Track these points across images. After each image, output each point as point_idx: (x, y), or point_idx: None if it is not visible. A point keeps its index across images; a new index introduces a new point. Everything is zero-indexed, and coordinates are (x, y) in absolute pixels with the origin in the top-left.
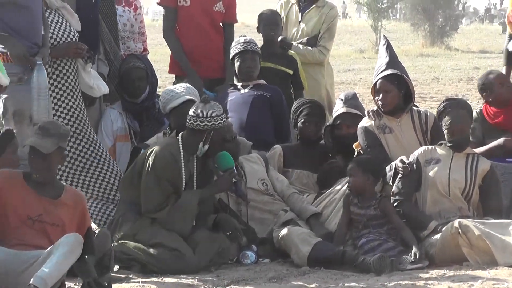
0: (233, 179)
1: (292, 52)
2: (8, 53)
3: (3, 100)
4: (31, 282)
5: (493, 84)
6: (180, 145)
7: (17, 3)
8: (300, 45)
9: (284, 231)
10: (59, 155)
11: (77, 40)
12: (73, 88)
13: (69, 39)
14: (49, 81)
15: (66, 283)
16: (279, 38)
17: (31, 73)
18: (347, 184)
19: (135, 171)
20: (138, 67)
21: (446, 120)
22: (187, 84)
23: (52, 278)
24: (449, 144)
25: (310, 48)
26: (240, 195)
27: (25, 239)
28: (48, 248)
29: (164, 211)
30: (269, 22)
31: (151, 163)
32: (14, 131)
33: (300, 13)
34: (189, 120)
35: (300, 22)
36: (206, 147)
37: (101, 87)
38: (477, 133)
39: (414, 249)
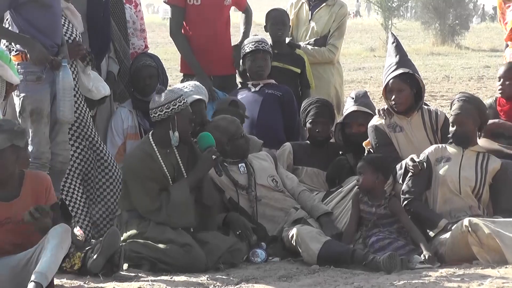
0: (213, 156)
1: (300, 51)
2: (28, 56)
3: (21, 99)
4: (32, 279)
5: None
6: (152, 142)
7: (39, 2)
8: (309, 46)
9: (294, 230)
10: (14, 153)
11: (80, 41)
12: (76, 90)
13: (70, 41)
14: None
15: (75, 281)
16: (287, 40)
17: (52, 73)
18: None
19: (123, 179)
20: (149, 65)
21: (451, 110)
22: (195, 82)
23: (50, 271)
24: (449, 135)
25: (318, 47)
26: (217, 172)
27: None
28: (38, 244)
29: (162, 214)
30: (276, 21)
31: (128, 167)
32: (31, 130)
33: (310, 12)
34: (151, 115)
35: (310, 20)
36: (177, 134)
37: (101, 90)
38: (490, 119)
39: (424, 252)
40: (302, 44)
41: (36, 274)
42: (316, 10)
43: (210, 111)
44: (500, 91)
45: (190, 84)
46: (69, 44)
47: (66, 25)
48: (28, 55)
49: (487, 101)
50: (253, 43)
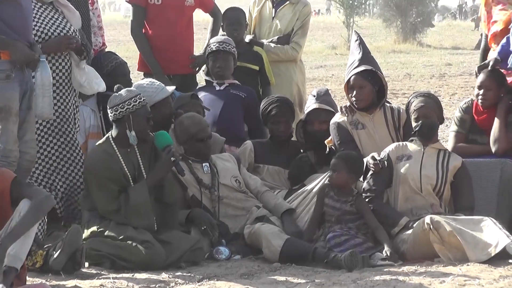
0: (172, 158)
1: (258, 48)
2: (12, 58)
3: None
4: (5, 263)
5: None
6: (111, 141)
7: (12, 1)
8: (272, 44)
9: (255, 227)
10: None
11: (79, 37)
12: (65, 85)
13: (62, 35)
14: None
15: (37, 279)
16: (249, 38)
17: (21, 71)
18: (327, 177)
19: (84, 178)
20: (125, 63)
21: (412, 106)
22: (152, 81)
23: (24, 252)
24: (415, 130)
25: (281, 45)
26: (179, 172)
27: None
28: (7, 223)
29: (121, 215)
30: (231, 22)
31: (88, 167)
32: None
33: (273, 10)
34: (109, 114)
35: (273, 18)
36: (134, 133)
37: (94, 86)
38: (467, 125)
39: (386, 248)
40: (265, 41)
41: (9, 258)
42: (280, 8)
43: None
44: (481, 101)
45: (154, 80)
46: (60, 37)
47: (59, 20)
48: (12, 58)
49: (462, 104)
50: (215, 44)
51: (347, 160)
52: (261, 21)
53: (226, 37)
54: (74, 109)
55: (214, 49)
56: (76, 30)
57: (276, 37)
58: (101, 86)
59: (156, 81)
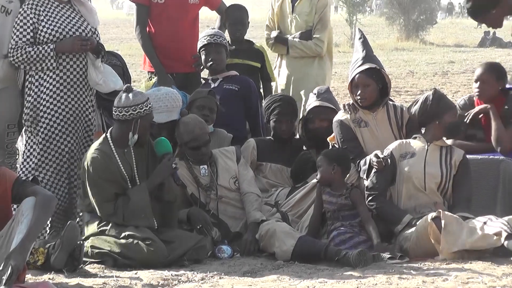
0: (173, 164)
1: (259, 45)
2: None
3: None
4: (13, 264)
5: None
6: (110, 141)
7: None
8: (296, 39)
9: (269, 225)
10: None
11: (96, 36)
12: (79, 84)
13: (77, 34)
14: (51, 76)
15: (39, 277)
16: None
17: None
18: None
19: (82, 180)
20: (115, 65)
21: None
22: (169, 92)
23: (26, 250)
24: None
25: (305, 41)
26: (176, 181)
27: None
28: (9, 222)
29: (119, 217)
30: (235, 21)
31: (85, 169)
32: None
33: (291, 4)
34: (115, 112)
35: (292, 13)
36: (136, 136)
37: (110, 84)
38: (463, 120)
39: (375, 241)
40: (289, 37)
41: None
42: (297, 3)
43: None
44: (477, 94)
45: (164, 97)
46: (74, 38)
47: (80, 21)
48: None
49: (460, 101)
50: (205, 37)
51: (325, 154)
52: (283, 16)
53: (216, 30)
54: (89, 107)
55: (205, 42)
56: (94, 28)
57: (299, 33)
58: (118, 84)
59: (161, 99)
